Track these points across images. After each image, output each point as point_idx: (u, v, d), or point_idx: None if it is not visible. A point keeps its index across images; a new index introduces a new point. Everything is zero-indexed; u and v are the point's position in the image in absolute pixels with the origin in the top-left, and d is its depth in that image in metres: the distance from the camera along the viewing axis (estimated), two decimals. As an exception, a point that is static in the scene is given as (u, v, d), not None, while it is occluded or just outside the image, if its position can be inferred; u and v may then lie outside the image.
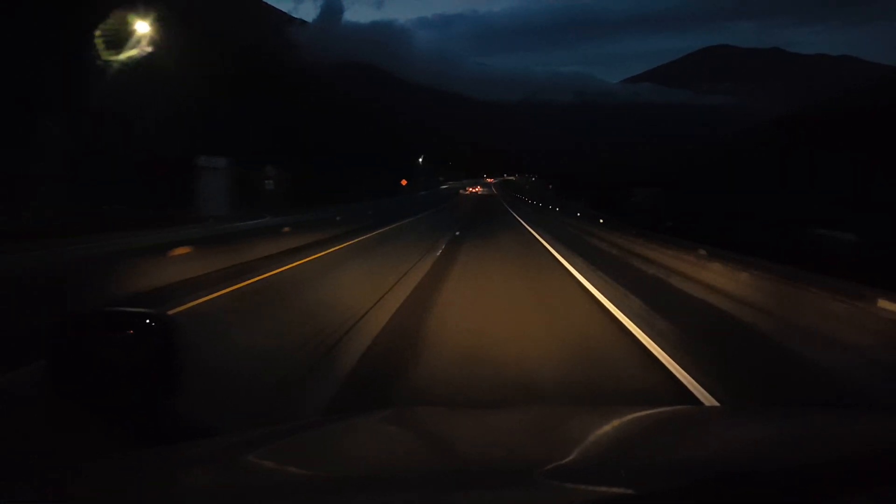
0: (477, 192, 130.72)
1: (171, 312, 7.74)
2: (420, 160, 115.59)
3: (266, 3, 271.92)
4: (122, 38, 24.38)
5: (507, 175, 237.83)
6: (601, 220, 28.28)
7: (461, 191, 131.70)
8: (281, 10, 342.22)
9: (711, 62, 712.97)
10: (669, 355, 6.34)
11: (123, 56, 24.91)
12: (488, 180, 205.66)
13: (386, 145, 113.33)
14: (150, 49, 24.59)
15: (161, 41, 25.39)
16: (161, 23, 24.54)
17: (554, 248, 19.17)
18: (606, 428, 1.91)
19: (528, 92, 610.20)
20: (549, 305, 9.71)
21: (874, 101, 51.56)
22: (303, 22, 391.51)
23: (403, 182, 60.03)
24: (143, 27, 24.05)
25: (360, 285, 11.24)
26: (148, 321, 1.73)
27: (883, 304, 6.48)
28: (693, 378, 5.56)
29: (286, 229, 20.38)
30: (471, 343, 6.88)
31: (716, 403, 5.10)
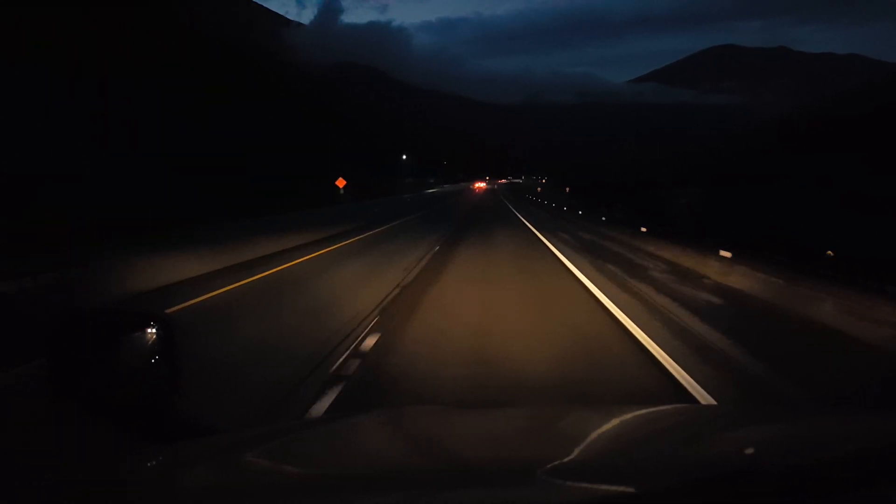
0: (483, 187, 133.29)
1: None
2: (404, 158, 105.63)
3: (261, 6, 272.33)
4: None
5: (513, 177, 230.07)
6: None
7: (470, 185, 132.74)
8: (278, 13, 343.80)
9: (716, 61, 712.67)
10: None
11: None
12: (500, 181, 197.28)
13: (352, 142, 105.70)
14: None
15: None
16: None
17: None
18: (607, 427, 1.90)
19: (530, 93, 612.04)
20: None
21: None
22: (299, 24, 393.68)
23: (339, 183, 39.26)
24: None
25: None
26: (147, 321, 1.73)
27: None
28: None
29: None
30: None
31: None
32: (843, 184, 33.61)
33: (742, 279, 10.39)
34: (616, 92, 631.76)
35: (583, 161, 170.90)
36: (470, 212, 42.69)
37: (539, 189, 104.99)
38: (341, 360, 6.28)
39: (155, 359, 1.70)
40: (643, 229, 18.96)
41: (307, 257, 16.34)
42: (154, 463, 1.59)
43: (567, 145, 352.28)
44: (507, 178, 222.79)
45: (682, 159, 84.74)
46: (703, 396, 5.05)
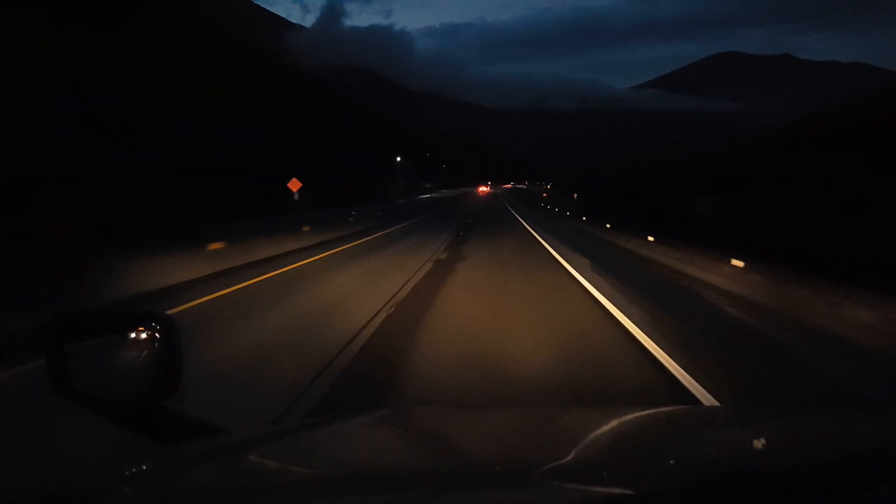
0: (486, 191, 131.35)
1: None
2: (398, 159, 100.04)
3: (263, 8, 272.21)
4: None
5: (516, 183, 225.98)
6: None
7: (473, 190, 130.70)
8: (279, 16, 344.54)
9: (720, 68, 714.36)
10: None
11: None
12: (505, 186, 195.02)
13: (351, 143, 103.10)
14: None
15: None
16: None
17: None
18: (605, 428, 1.90)
19: (533, 98, 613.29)
20: None
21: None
22: (301, 27, 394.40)
23: (293, 186, 30.31)
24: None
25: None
26: (148, 320, 1.73)
27: None
28: None
29: None
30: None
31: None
32: (851, 190, 33.30)
33: None
34: (619, 98, 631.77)
35: (587, 166, 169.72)
36: (464, 232, 27.94)
37: (545, 195, 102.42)
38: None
39: (155, 359, 1.70)
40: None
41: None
42: (155, 464, 1.59)
43: (570, 151, 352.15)
44: (511, 184, 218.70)
45: (687, 165, 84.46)
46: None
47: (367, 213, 39.14)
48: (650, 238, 18.44)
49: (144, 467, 1.54)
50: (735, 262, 11.78)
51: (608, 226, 25.53)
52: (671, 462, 1.52)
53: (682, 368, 6.14)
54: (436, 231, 28.80)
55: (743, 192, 43.81)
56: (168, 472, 1.52)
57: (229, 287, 12.05)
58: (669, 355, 6.62)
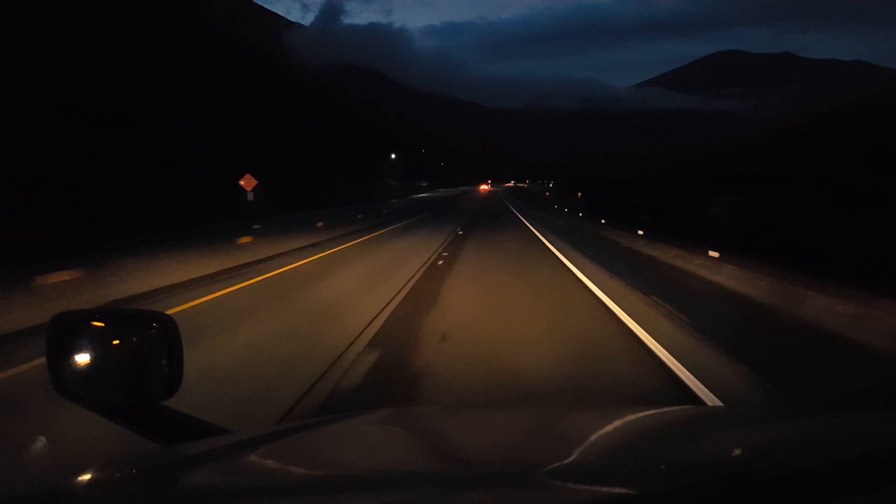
0: (486, 189, 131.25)
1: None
2: (393, 157, 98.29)
3: (261, 7, 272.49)
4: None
5: (517, 182, 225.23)
6: None
7: (475, 188, 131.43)
8: (279, 14, 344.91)
9: (721, 67, 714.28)
10: None
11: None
12: (507, 185, 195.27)
13: (351, 144, 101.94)
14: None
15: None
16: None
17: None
18: (608, 428, 1.90)
19: (533, 97, 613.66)
20: None
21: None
22: (300, 26, 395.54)
23: (247, 184, 25.41)
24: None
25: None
26: (149, 320, 1.73)
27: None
28: None
29: None
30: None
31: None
32: (856, 189, 33.22)
33: None
34: (620, 97, 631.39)
35: (587, 166, 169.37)
36: (447, 256, 16.79)
37: (547, 194, 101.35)
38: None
39: (156, 359, 1.69)
40: None
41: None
42: (155, 463, 1.58)
43: (571, 150, 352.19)
44: (511, 182, 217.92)
45: (689, 165, 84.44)
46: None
47: (303, 221, 28.02)
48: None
49: (144, 467, 1.54)
50: None
51: (715, 254, 13.50)
52: (673, 462, 1.51)
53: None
54: (394, 264, 15.55)
55: (744, 192, 43.78)
56: (168, 472, 1.51)
57: None
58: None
